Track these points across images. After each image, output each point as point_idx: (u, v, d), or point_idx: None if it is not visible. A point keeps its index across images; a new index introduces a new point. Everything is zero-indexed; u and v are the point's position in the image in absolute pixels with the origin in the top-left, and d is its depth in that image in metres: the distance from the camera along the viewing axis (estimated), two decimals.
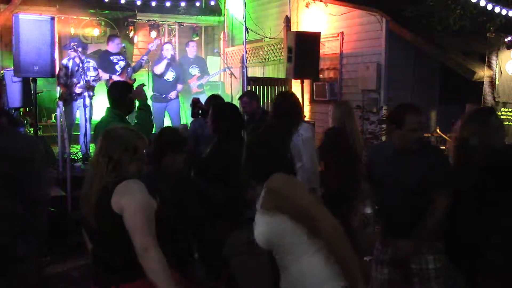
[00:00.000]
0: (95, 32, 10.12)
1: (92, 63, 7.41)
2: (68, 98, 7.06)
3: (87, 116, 7.16)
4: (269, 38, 9.63)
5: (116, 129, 2.49)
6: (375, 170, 3.16)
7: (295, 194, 2.21)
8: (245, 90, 8.04)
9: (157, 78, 7.92)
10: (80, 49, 7.21)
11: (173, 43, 10.96)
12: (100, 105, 8.49)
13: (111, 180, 2.28)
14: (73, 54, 7.21)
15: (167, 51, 7.85)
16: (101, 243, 2.37)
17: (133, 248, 2.17)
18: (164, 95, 7.86)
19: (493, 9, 6.41)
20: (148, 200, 2.27)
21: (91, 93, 7.27)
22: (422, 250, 2.94)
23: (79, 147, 7.47)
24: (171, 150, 3.15)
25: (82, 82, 7.05)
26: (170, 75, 7.92)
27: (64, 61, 7.34)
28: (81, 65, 7.09)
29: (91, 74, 7.23)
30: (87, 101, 7.15)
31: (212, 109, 3.91)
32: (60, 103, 6.69)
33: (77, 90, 7.15)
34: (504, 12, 6.42)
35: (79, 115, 7.28)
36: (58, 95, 7.81)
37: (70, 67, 7.20)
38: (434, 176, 2.90)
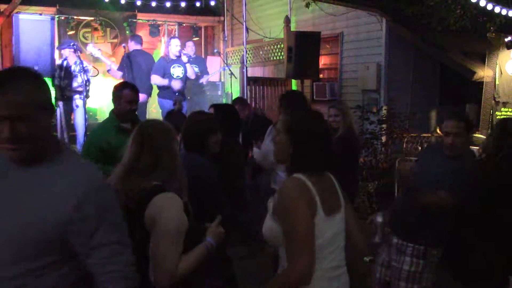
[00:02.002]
0: (95, 32, 10.12)
1: (86, 64, 7.38)
2: (62, 99, 7.01)
3: (82, 116, 7.17)
4: (269, 38, 9.63)
5: (159, 122, 2.34)
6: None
7: (295, 214, 1.95)
8: (245, 90, 8.04)
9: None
10: (77, 51, 7.23)
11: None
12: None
13: (149, 186, 2.08)
14: (65, 55, 7.18)
15: (175, 47, 7.73)
16: None
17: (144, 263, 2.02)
18: (176, 93, 7.67)
19: (493, 9, 6.40)
20: (182, 221, 2.06)
21: (86, 94, 7.27)
22: (405, 250, 2.99)
23: (74, 146, 7.46)
24: (208, 133, 3.01)
25: (77, 83, 7.06)
26: (178, 72, 7.75)
27: (59, 62, 7.32)
28: (79, 65, 7.10)
29: (82, 75, 7.22)
30: (80, 102, 7.15)
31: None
32: (60, 103, 6.69)
33: (71, 91, 7.15)
34: (504, 12, 6.41)
35: (73, 116, 7.30)
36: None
37: (64, 68, 7.18)
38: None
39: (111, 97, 3.79)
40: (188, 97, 8.28)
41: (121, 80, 7.68)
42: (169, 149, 2.18)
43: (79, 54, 7.40)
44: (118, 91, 3.78)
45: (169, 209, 2.03)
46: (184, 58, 7.82)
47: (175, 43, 7.82)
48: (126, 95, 3.75)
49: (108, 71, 8.31)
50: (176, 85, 7.55)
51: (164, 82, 7.62)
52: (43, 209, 1.47)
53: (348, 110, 4.63)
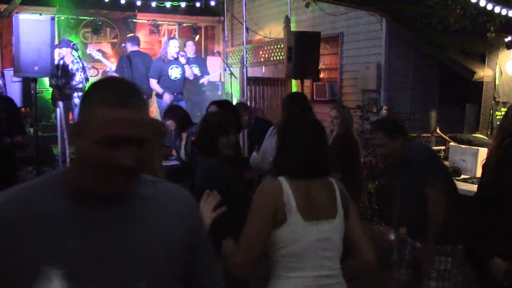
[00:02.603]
0: (95, 32, 10.12)
1: (81, 63, 7.38)
2: (60, 98, 7.01)
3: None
4: (269, 38, 9.63)
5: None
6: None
7: (253, 212, 1.98)
8: (245, 90, 8.04)
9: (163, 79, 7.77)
10: (74, 50, 7.24)
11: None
12: None
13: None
14: (61, 54, 7.18)
15: (173, 47, 7.69)
16: None
17: None
18: (174, 92, 7.68)
19: (493, 9, 6.41)
20: None
21: (80, 94, 7.28)
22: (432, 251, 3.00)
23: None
24: (221, 134, 2.97)
25: (75, 82, 7.07)
26: (176, 73, 7.75)
27: (55, 61, 7.32)
28: (77, 64, 7.11)
29: (80, 74, 7.23)
30: (78, 101, 7.17)
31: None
32: (60, 103, 6.69)
33: (69, 90, 7.16)
34: (504, 12, 6.42)
35: (71, 115, 7.31)
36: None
37: (60, 67, 7.18)
38: (417, 177, 2.97)
39: None
40: (186, 98, 8.26)
41: None
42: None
43: (78, 53, 7.42)
44: None
45: None
46: (183, 60, 7.78)
47: (174, 44, 7.76)
48: None
49: (107, 73, 8.31)
50: (167, 99, 7.50)
51: (159, 90, 7.59)
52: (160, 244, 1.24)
53: (348, 114, 4.66)
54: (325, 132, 2.19)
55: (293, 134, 2.10)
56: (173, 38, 8.60)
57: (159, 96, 7.77)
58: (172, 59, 7.69)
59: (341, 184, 2.11)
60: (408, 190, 3.10)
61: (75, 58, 7.30)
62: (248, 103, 7.93)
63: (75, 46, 7.39)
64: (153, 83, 7.62)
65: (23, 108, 7.90)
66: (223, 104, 4.19)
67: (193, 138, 4.56)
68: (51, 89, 7.54)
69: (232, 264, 1.95)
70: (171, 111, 5.26)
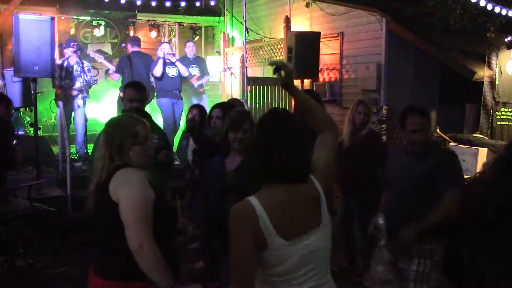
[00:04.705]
0: (95, 32, 10.12)
1: (87, 64, 7.39)
2: (64, 99, 7.02)
3: (82, 116, 7.18)
4: (269, 38, 9.63)
5: (116, 117, 2.55)
6: (390, 174, 3.26)
7: (234, 245, 1.82)
8: (245, 90, 8.04)
9: (159, 78, 7.86)
10: (78, 51, 7.24)
11: (173, 43, 10.97)
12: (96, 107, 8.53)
13: (111, 167, 2.29)
14: (67, 55, 7.19)
15: (162, 50, 7.81)
16: (101, 229, 2.37)
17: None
18: (173, 90, 7.80)
19: (493, 9, 6.40)
20: (146, 193, 2.25)
21: (86, 95, 7.28)
22: (412, 250, 3.00)
23: (74, 147, 7.47)
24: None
25: (79, 83, 7.06)
26: (173, 71, 7.85)
27: (59, 62, 7.31)
28: (81, 65, 7.10)
29: (85, 76, 7.23)
30: (80, 102, 7.18)
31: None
32: (60, 103, 6.69)
33: (73, 91, 7.16)
34: (504, 12, 6.41)
35: (73, 115, 7.31)
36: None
37: (64, 68, 7.19)
38: (439, 177, 2.93)
39: (111, 98, 3.99)
40: (186, 98, 8.27)
41: (120, 83, 7.71)
42: (118, 142, 2.34)
43: (79, 54, 7.42)
44: (123, 90, 4.04)
45: (131, 182, 2.23)
46: (173, 59, 7.87)
47: (163, 47, 7.90)
48: (127, 93, 4.03)
49: (109, 74, 8.32)
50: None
51: (160, 67, 7.67)
52: None
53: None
54: (306, 130, 1.96)
55: (272, 132, 1.88)
56: (164, 42, 8.69)
57: (159, 96, 7.80)
58: (168, 61, 7.76)
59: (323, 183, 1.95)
60: (415, 183, 3.05)
61: (79, 60, 7.30)
62: (248, 103, 7.94)
63: (75, 46, 7.39)
64: (155, 71, 7.74)
65: (23, 108, 7.90)
66: (227, 107, 4.24)
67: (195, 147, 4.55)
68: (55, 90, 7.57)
69: None
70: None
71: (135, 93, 4.01)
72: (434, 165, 2.98)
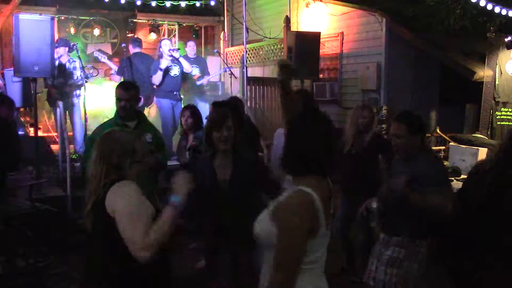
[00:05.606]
0: (95, 32, 10.12)
1: (77, 62, 7.36)
2: (60, 98, 6.98)
3: (80, 115, 7.17)
4: (269, 38, 9.63)
5: (112, 133, 2.46)
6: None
7: (290, 240, 1.87)
8: (245, 90, 8.04)
9: (157, 85, 7.72)
10: (67, 49, 7.24)
11: (173, 43, 10.97)
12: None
13: (107, 182, 2.27)
14: (59, 54, 7.17)
15: (165, 45, 7.70)
16: (95, 244, 2.36)
17: (124, 250, 2.15)
18: (173, 92, 7.68)
19: (493, 9, 6.41)
20: (141, 202, 2.24)
21: (78, 93, 7.27)
22: (389, 240, 3.08)
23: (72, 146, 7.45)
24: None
25: (72, 80, 7.07)
26: (175, 70, 7.71)
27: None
28: (74, 63, 7.12)
29: (77, 73, 7.23)
30: (76, 101, 7.17)
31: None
32: (60, 104, 6.68)
33: (67, 88, 7.15)
34: (504, 12, 6.42)
35: (68, 115, 7.30)
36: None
37: (56, 67, 7.17)
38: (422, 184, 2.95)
39: (110, 98, 3.96)
40: (182, 96, 8.24)
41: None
42: (116, 160, 2.31)
43: (78, 53, 7.41)
44: (115, 90, 4.07)
45: (123, 194, 2.21)
46: (176, 54, 7.78)
47: (165, 43, 7.79)
48: (117, 93, 4.05)
49: (110, 75, 8.31)
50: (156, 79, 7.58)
51: (159, 76, 7.58)
52: None
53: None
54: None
55: (318, 126, 2.00)
56: (164, 38, 8.63)
57: (159, 96, 7.78)
58: (169, 57, 7.69)
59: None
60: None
61: (71, 58, 7.30)
62: (248, 103, 7.93)
63: (74, 46, 7.38)
64: (155, 77, 7.64)
65: (22, 108, 7.89)
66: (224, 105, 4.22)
67: (192, 143, 4.54)
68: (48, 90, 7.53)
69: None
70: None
71: (122, 92, 4.02)
72: (416, 174, 2.99)
